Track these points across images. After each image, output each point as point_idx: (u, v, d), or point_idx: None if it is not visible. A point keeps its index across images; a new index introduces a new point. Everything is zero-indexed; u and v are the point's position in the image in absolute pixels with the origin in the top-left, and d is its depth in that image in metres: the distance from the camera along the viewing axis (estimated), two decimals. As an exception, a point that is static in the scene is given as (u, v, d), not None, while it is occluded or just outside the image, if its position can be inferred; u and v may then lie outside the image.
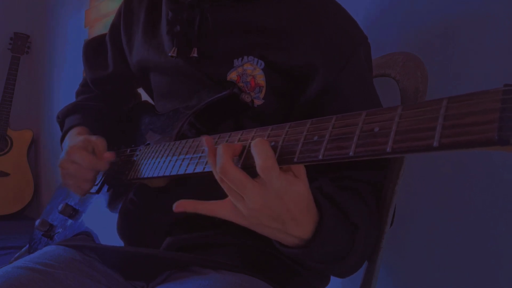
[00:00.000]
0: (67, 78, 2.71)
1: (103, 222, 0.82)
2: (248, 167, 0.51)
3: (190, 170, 0.61)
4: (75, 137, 0.89)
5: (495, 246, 0.81)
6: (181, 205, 0.56)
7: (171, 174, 0.65)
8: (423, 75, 0.79)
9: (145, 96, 1.03)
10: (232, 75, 0.75)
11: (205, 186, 0.56)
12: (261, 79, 0.73)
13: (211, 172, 0.54)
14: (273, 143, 0.50)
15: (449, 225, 0.88)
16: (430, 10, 0.93)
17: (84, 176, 0.80)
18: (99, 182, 0.88)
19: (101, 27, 2.35)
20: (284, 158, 0.48)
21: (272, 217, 0.52)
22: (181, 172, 0.63)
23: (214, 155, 0.53)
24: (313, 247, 0.56)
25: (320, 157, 0.44)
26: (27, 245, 1.02)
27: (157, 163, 0.71)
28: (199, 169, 0.59)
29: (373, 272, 0.74)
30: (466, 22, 0.87)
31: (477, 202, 0.83)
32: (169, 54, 0.79)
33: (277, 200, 0.51)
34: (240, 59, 0.74)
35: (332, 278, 0.81)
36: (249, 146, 0.51)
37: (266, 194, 0.50)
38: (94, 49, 1.06)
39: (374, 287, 0.74)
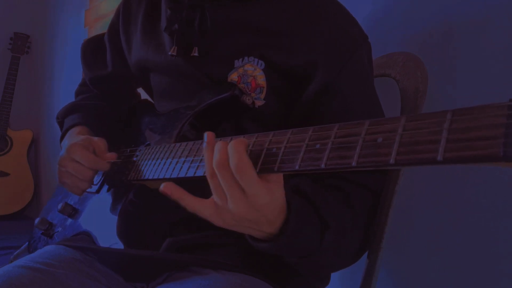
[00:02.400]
0: (67, 78, 2.71)
1: (102, 223, 0.81)
2: None
3: (190, 174, 0.61)
4: (75, 136, 0.88)
5: (495, 246, 0.81)
6: (169, 188, 0.56)
7: (171, 177, 0.65)
8: (423, 75, 0.79)
9: (144, 96, 1.03)
10: (233, 76, 0.75)
11: (204, 188, 0.55)
12: (261, 79, 0.73)
13: None
14: (274, 149, 0.49)
15: (449, 225, 0.88)
16: (430, 10, 0.93)
17: (82, 176, 0.79)
18: (99, 182, 0.88)
19: (101, 27, 2.35)
20: (285, 165, 0.47)
21: (248, 220, 0.54)
22: (182, 175, 0.62)
23: (212, 151, 0.53)
24: (279, 242, 0.57)
25: (323, 166, 0.43)
26: (27, 243, 1.02)
27: (158, 165, 0.70)
28: (199, 173, 0.59)
29: (373, 272, 0.74)
30: (466, 22, 0.87)
31: (478, 202, 0.83)
32: (169, 53, 0.79)
33: (257, 211, 0.52)
34: (240, 59, 0.74)
35: (332, 278, 0.82)
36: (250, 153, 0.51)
37: (248, 204, 0.51)
38: (92, 49, 1.05)
39: (374, 287, 0.74)
